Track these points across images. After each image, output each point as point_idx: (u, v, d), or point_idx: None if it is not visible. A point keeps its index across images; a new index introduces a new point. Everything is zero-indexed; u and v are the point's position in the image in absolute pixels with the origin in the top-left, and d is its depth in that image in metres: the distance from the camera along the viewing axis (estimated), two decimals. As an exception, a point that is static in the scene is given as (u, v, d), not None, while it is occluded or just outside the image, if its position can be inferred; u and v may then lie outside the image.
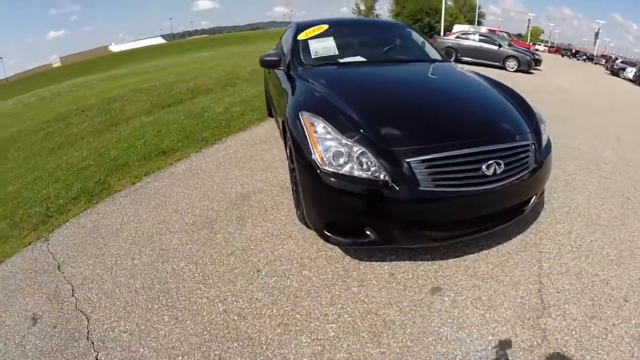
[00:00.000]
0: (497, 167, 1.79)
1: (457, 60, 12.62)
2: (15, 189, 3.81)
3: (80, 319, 1.92)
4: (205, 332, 1.70)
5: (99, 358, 1.69)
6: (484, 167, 1.77)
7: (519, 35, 54.38)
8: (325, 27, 3.23)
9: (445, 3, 27.55)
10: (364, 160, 1.75)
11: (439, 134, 1.91)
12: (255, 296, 1.86)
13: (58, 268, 2.35)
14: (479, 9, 43.48)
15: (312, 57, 2.98)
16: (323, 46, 3.06)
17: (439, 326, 1.66)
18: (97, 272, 2.24)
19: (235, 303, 1.84)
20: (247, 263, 2.11)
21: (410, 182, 1.70)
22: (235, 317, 1.75)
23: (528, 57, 12.25)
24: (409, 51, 3.43)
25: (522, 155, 1.94)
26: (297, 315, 1.73)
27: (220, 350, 1.60)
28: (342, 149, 1.78)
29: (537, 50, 25.74)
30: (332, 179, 1.74)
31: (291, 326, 1.67)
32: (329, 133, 1.85)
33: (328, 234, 1.85)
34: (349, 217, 1.82)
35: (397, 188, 1.70)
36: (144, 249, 2.38)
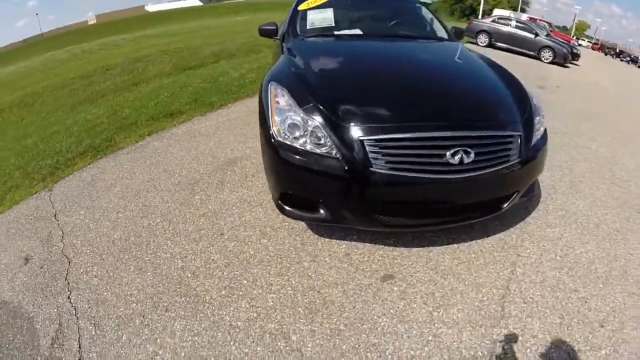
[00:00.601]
0: (464, 155, 1.63)
1: (491, 46, 11.84)
2: (33, 141, 4.12)
3: (63, 262, 2.12)
4: (160, 285, 1.82)
5: (70, 297, 1.86)
6: (448, 154, 1.62)
7: (564, 28, 51.15)
8: None
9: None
10: (320, 135, 1.70)
11: (404, 114, 1.80)
12: (212, 257, 1.95)
13: (54, 216, 2.57)
14: (523, -5, 40.81)
15: (308, 27, 2.89)
16: (321, 17, 2.95)
17: (379, 315, 1.62)
18: (85, 222, 2.43)
19: (193, 262, 1.94)
20: (214, 225, 2.20)
21: (361, 162, 1.63)
22: (189, 275, 1.86)
23: (565, 50, 11.22)
24: (413, 27, 3.24)
25: (501, 147, 1.77)
26: (244, 281, 1.80)
27: (169, 302, 1.72)
28: (298, 122, 1.74)
29: (579, 45, 24.09)
30: (286, 151, 1.73)
31: (236, 290, 1.75)
32: (289, 105, 1.81)
33: (283, 205, 1.86)
34: (300, 191, 1.81)
35: (347, 167, 1.64)
36: (129, 204, 2.54)
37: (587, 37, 52.71)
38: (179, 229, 2.21)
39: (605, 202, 2.63)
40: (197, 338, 1.54)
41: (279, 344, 1.48)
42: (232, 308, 1.65)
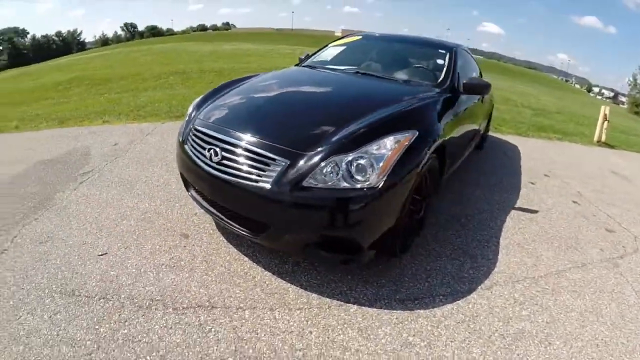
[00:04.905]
0: (213, 154, 2.04)
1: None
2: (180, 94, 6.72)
3: (117, 155, 4.06)
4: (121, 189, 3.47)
5: (90, 174, 3.70)
6: (206, 147, 2.11)
7: None
8: (357, 37, 3.91)
9: None
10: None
11: (230, 122, 2.26)
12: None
13: (147, 134, 4.68)
14: None
15: (314, 59, 3.74)
16: (328, 52, 3.77)
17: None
18: (146, 144, 4.39)
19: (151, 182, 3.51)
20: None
21: (183, 138, 2.39)
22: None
23: None
24: (407, 72, 3.33)
25: (252, 162, 1.93)
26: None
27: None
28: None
29: None
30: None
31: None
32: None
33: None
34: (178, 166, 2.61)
35: (180, 140, 2.44)
36: (164, 145, 4.35)
37: None
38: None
39: None
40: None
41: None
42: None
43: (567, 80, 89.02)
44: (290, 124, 2.25)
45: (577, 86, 77.75)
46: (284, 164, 1.89)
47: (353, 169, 1.88)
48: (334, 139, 2.00)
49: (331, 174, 1.86)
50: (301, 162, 1.89)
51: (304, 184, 1.84)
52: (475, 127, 3.89)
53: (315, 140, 2.00)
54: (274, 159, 1.91)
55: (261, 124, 2.20)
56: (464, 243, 2.77)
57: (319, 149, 1.93)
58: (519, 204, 3.58)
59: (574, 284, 2.49)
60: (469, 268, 2.49)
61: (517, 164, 4.83)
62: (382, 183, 1.85)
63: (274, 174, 1.87)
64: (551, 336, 2.01)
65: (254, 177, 1.91)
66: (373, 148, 1.94)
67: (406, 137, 2.05)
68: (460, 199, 3.52)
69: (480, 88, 3.04)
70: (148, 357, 1.64)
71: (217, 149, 2.05)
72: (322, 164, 1.87)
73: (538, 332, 2.02)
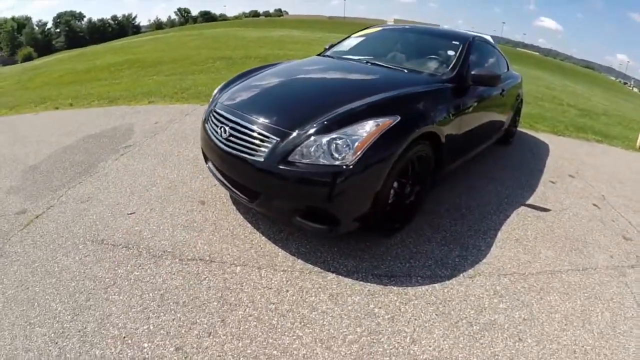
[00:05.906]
0: (223, 131, 2.38)
1: None
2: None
3: (156, 133, 4.56)
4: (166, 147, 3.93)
5: (127, 146, 4.23)
6: (219, 126, 2.45)
7: None
8: (377, 29, 4.08)
9: None
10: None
11: (241, 105, 2.57)
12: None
13: (185, 115, 5.16)
14: None
15: (334, 49, 3.98)
16: (347, 43, 3.99)
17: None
18: (184, 124, 4.85)
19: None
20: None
21: (205, 118, 2.74)
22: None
23: None
24: (415, 62, 3.48)
25: (251, 139, 2.24)
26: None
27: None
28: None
29: None
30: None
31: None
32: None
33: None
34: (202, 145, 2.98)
35: (203, 119, 2.79)
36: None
37: None
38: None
39: None
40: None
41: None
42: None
43: (625, 83, 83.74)
44: (288, 108, 2.54)
45: (636, 90, 71.63)
46: (275, 141, 2.17)
47: (332, 147, 2.09)
48: (321, 120, 2.23)
49: (314, 151, 2.10)
50: (289, 140, 2.16)
51: (289, 158, 2.11)
52: (493, 120, 3.89)
53: (305, 121, 2.24)
54: (267, 137, 2.20)
55: (263, 107, 2.52)
56: (458, 232, 2.87)
57: (306, 129, 2.19)
58: (531, 201, 3.54)
59: (567, 286, 2.42)
60: (456, 256, 2.59)
61: (543, 162, 4.70)
62: (356, 162, 2.06)
63: (267, 150, 2.17)
64: (524, 333, 2.00)
65: (251, 151, 2.23)
66: (352, 130, 2.16)
67: (386, 122, 2.22)
68: (469, 191, 3.56)
69: (489, 79, 3.07)
70: (151, 294, 2.03)
71: (227, 127, 2.39)
72: (306, 142, 2.13)
73: (510, 327, 2.03)
